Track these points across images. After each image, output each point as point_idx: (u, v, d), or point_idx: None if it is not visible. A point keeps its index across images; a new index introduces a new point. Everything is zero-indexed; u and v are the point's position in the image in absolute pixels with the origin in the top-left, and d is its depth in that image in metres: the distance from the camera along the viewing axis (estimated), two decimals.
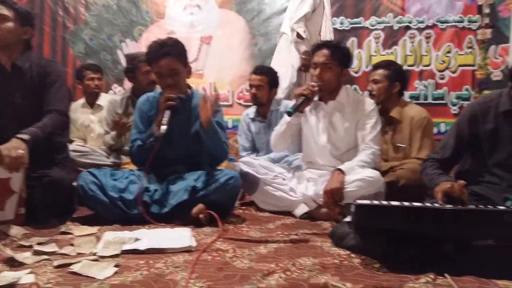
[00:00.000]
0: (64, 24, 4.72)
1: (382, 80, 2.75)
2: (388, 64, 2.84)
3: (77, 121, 3.62)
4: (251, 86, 3.13)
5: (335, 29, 4.39)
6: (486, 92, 3.93)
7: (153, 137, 2.21)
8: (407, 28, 4.31)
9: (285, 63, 3.56)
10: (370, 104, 2.46)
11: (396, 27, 4.32)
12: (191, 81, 4.29)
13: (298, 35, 3.38)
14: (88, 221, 2.08)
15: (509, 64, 3.90)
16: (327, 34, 3.68)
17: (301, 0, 3.42)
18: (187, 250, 1.64)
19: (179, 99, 2.22)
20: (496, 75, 4.05)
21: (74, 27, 4.71)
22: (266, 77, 3.11)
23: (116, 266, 1.44)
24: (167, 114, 2.17)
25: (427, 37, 4.29)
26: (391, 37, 4.34)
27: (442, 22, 4.21)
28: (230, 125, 4.44)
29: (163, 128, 2.12)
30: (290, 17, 3.49)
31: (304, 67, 3.46)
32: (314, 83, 2.35)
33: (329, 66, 2.39)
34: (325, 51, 2.40)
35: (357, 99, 2.49)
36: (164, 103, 2.19)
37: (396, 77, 2.75)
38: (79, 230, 1.92)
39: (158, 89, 2.46)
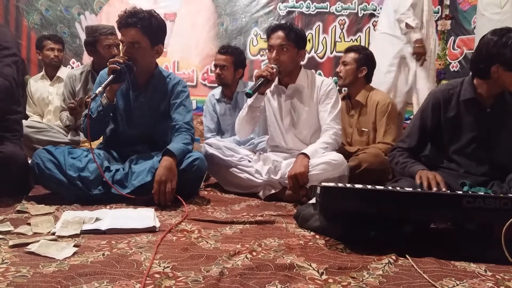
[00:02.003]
0: None
1: (351, 63, 2.82)
2: (359, 49, 2.93)
3: (35, 95, 3.47)
4: (215, 66, 3.08)
5: (301, 13, 4.40)
6: (444, 82, 4.07)
7: (101, 106, 2.12)
8: (371, 15, 4.37)
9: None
10: (328, 83, 2.48)
11: (360, 14, 4.38)
12: None
13: (407, 25, 3.35)
14: (46, 200, 1.99)
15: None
16: (431, 18, 3.57)
17: None
18: (151, 231, 1.61)
19: (126, 66, 2.08)
20: (454, 66, 4.21)
21: None
22: (231, 56, 3.06)
23: (75, 246, 1.39)
24: (110, 78, 2.06)
25: None
26: (356, 24, 4.40)
27: None
28: (194, 106, 4.37)
29: (99, 89, 2.03)
30: (395, 9, 3.42)
31: (418, 55, 3.41)
32: (273, 65, 2.34)
33: (285, 48, 2.37)
34: (280, 33, 2.38)
35: (315, 80, 2.50)
36: (108, 67, 2.08)
37: (365, 62, 2.83)
38: (35, 209, 1.83)
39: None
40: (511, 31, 1.76)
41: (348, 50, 2.93)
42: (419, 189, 1.68)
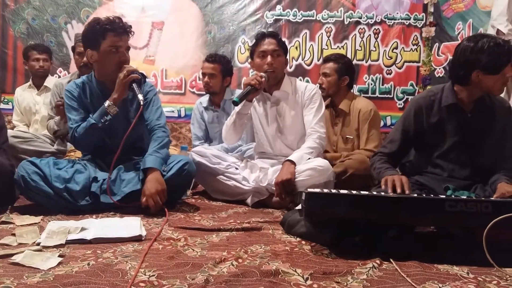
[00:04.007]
0: (4, 2, 4.41)
1: (332, 74, 2.84)
2: (337, 58, 2.92)
3: (21, 104, 3.46)
4: (203, 74, 3.09)
5: (288, 21, 4.44)
6: (429, 87, 4.13)
7: (108, 115, 2.14)
8: (357, 23, 4.42)
9: None
10: (311, 88, 2.52)
11: (346, 21, 4.42)
12: (142, 67, 4.20)
13: (498, 32, 3.32)
14: (31, 210, 1.98)
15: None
16: None
17: None
18: (137, 240, 1.60)
19: (141, 74, 2.20)
20: (439, 72, 4.27)
21: (15, 5, 4.42)
22: (219, 65, 3.08)
23: (60, 256, 1.39)
24: (135, 87, 2.13)
25: (376, 33, 4.43)
26: (342, 31, 4.44)
27: (390, 19, 4.35)
28: (182, 113, 4.38)
29: (141, 96, 2.11)
30: (491, 16, 3.43)
31: None
32: (262, 74, 2.36)
33: (278, 54, 2.43)
34: (272, 40, 2.44)
35: (299, 85, 2.54)
36: (127, 77, 2.12)
37: (345, 71, 2.84)
38: (20, 219, 1.82)
39: (84, 76, 2.35)
40: (485, 36, 1.81)
41: (326, 60, 2.94)
42: (383, 193, 1.70)
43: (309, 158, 2.28)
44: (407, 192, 1.69)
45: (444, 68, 4.22)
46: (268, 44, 2.42)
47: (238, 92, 3.12)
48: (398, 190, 1.69)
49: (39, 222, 1.80)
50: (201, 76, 3.21)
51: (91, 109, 2.23)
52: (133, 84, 2.14)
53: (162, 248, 1.53)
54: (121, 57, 2.16)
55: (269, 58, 2.41)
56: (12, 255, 1.37)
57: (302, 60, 4.47)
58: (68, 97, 2.24)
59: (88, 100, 2.24)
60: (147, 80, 2.38)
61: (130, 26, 2.20)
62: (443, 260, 1.44)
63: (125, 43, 2.18)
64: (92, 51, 2.17)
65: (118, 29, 2.13)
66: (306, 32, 4.47)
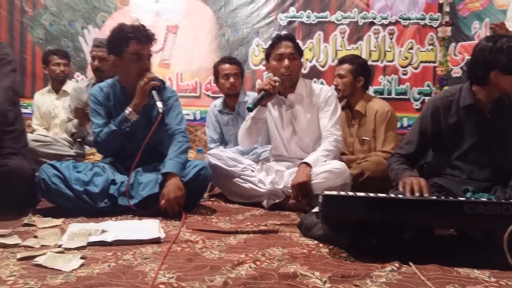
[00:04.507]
0: (22, 8, 4.50)
1: (347, 75, 2.83)
2: (352, 59, 2.91)
3: (41, 108, 3.53)
4: (227, 75, 3.06)
5: (302, 23, 4.43)
6: (446, 88, 4.08)
7: (129, 121, 2.18)
8: (372, 24, 4.39)
9: None
10: (327, 91, 2.51)
11: (361, 22, 4.40)
12: (157, 71, 4.23)
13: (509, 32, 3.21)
14: (52, 212, 2.02)
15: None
16: None
17: None
18: (156, 242, 1.62)
19: (161, 80, 2.23)
20: (456, 72, 4.22)
21: (33, 11, 4.50)
22: (238, 66, 3.13)
23: (82, 258, 1.41)
24: (155, 94, 2.16)
25: (391, 34, 4.39)
26: (356, 32, 4.41)
27: (405, 19, 4.32)
28: (198, 116, 4.40)
29: (160, 103, 2.14)
30: (507, 16, 3.36)
31: None
32: (276, 78, 2.37)
33: (295, 57, 2.44)
34: (289, 43, 2.44)
35: (314, 88, 2.53)
36: (147, 85, 2.16)
37: (360, 72, 2.83)
38: (42, 222, 1.85)
39: (109, 80, 2.39)
40: (504, 36, 1.79)
41: (341, 61, 2.93)
42: (400, 195, 1.68)
43: (325, 161, 2.28)
44: (425, 195, 1.68)
45: (461, 68, 4.17)
46: (285, 47, 2.42)
47: (252, 94, 3.14)
48: (417, 194, 1.68)
49: (60, 225, 1.84)
50: (216, 79, 3.18)
51: (114, 113, 2.28)
52: (153, 92, 2.17)
53: (181, 250, 1.55)
54: (143, 65, 2.20)
55: (286, 62, 2.41)
56: (35, 256, 1.40)
57: (316, 61, 4.47)
58: (92, 101, 2.30)
59: (111, 104, 2.29)
60: (168, 86, 2.41)
61: (153, 35, 2.23)
62: (464, 263, 1.42)
63: (147, 52, 2.21)
64: (115, 57, 2.21)
65: (141, 37, 2.17)
66: (320, 34, 4.46)
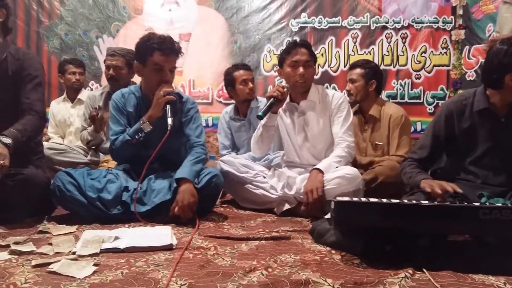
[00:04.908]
0: (38, 19, 4.60)
1: (359, 79, 2.82)
2: (363, 63, 2.91)
3: (56, 116, 3.60)
4: (245, 81, 3.07)
5: (313, 28, 4.43)
6: (460, 91, 4.03)
7: (143, 132, 2.20)
8: (384, 28, 4.37)
9: None
10: (339, 97, 2.50)
11: (373, 27, 4.38)
12: None
13: None
14: (66, 220, 2.05)
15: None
16: None
17: None
18: (168, 248, 1.63)
19: (177, 94, 2.24)
20: (470, 75, 4.17)
21: (49, 22, 4.60)
22: (252, 72, 3.18)
23: (95, 265, 1.43)
24: (168, 108, 2.18)
25: (403, 37, 4.36)
26: (369, 37, 4.40)
27: (418, 23, 4.28)
28: (210, 123, 4.43)
29: (170, 120, 2.15)
30: None
31: None
32: (284, 84, 2.37)
33: (309, 64, 2.43)
34: (304, 50, 2.43)
35: (326, 94, 2.52)
36: (163, 98, 2.18)
37: (372, 75, 2.82)
38: (57, 229, 1.88)
39: (132, 86, 2.44)
40: None
41: (353, 66, 2.93)
42: (431, 201, 1.66)
43: (337, 167, 2.27)
44: (458, 190, 1.66)
45: (475, 71, 4.12)
46: (301, 54, 2.41)
47: (264, 100, 3.14)
48: (449, 189, 1.65)
49: (74, 232, 1.86)
50: (231, 86, 3.17)
51: (133, 119, 2.31)
52: (168, 106, 2.19)
53: (193, 257, 1.55)
54: (164, 76, 2.22)
55: (301, 69, 2.40)
56: (49, 264, 1.42)
57: (328, 66, 4.46)
58: (113, 107, 2.34)
59: (131, 110, 2.33)
60: (189, 97, 2.44)
61: (180, 48, 2.25)
62: (478, 269, 1.40)
63: (170, 64, 2.23)
64: (139, 64, 2.25)
65: (166, 49, 2.19)
66: (332, 39, 4.45)
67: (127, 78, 2.98)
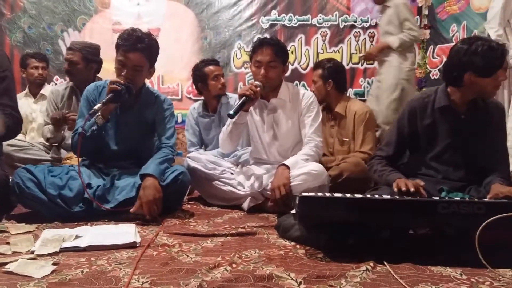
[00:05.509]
0: (0, 11, 4.44)
1: (318, 80, 2.93)
2: (322, 64, 2.97)
3: None
4: (217, 76, 3.04)
5: (284, 26, 4.46)
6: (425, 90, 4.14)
7: (96, 125, 2.14)
8: (352, 27, 4.45)
9: None
10: (309, 96, 2.50)
11: (342, 25, 4.45)
12: None
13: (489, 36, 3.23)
14: (26, 218, 1.98)
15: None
16: None
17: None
18: (131, 246, 1.60)
19: (126, 87, 2.13)
20: (434, 74, 4.29)
21: (11, 14, 4.45)
22: (221, 68, 3.18)
23: (54, 264, 1.39)
24: (108, 97, 2.09)
25: (371, 36, 4.45)
26: (337, 35, 4.47)
27: None
28: (179, 119, 4.39)
29: (97, 106, 2.05)
30: (487, 18, 3.36)
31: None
32: (257, 83, 2.34)
33: (273, 65, 2.38)
34: (268, 50, 2.37)
35: (296, 93, 2.52)
36: (108, 86, 2.12)
37: (329, 75, 2.88)
38: (15, 228, 1.82)
39: (108, 80, 2.37)
40: (480, 39, 1.82)
41: (314, 67, 3.03)
42: (396, 196, 1.70)
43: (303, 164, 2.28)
44: (422, 191, 1.70)
45: (439, 70, 4.24)
46: (264, 55, 2.36)
47: (234, 96, 3.13)
48: (412, 189, 1.69)
49: (34, 231, 1.80)
50: (202, 82, 3.13)
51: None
52: (110, 94, 2.09)
53: (156, 254, 1.53)
54: (126, 74, 2.15)
55: (262, 70, 2.36)
56: (6, 264, 1.37)
57: (298, 64, 4.50)
58: (83, 99, 2.29)
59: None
60: (166, 98, 2.39)
61: (145, 46, 2.16)
62: (437, 262, 1.44)
63: (130, 61, 2.15)
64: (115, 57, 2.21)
65: (125, 46, 2.14)
66: (301, 37, 4.50)
67: (84, 73, 2.87)
